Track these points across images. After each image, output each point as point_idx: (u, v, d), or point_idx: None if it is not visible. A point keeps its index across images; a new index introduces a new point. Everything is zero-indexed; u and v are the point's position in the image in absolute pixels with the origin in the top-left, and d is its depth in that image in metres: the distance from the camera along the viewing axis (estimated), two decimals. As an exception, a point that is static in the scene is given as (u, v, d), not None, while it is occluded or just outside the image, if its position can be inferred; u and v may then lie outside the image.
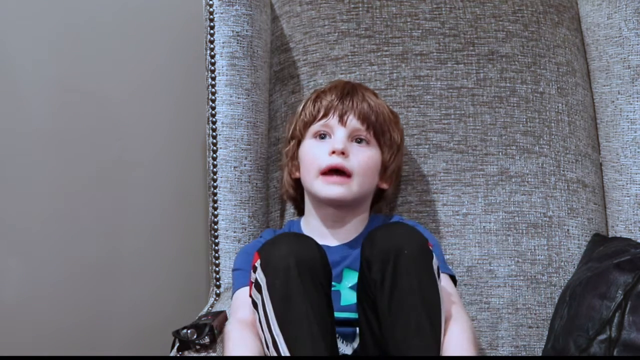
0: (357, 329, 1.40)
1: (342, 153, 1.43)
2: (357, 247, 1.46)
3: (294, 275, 1.25)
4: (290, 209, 1.65)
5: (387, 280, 1.27)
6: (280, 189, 1.64)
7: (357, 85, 1.53)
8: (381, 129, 1.48)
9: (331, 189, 1.43)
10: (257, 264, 1.29)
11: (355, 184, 1.44)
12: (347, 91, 1.49)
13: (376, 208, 1.57)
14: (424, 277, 1.27)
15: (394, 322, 1.26)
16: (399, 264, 1.27)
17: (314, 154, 1.46)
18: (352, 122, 1.46)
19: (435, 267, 1.30)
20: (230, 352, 1.32)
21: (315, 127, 1.48)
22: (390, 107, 1.59)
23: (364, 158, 1.46)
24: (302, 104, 1.54)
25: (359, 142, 1.47)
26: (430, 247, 1.31)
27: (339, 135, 1.45)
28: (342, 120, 1.46)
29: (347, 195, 1.44)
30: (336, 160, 1.43)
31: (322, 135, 1.48)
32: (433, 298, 1.28)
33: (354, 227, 1.49)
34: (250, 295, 1.32)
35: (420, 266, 1.28)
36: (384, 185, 1.52)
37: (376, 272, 1.28)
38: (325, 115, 1.47)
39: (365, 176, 1.46)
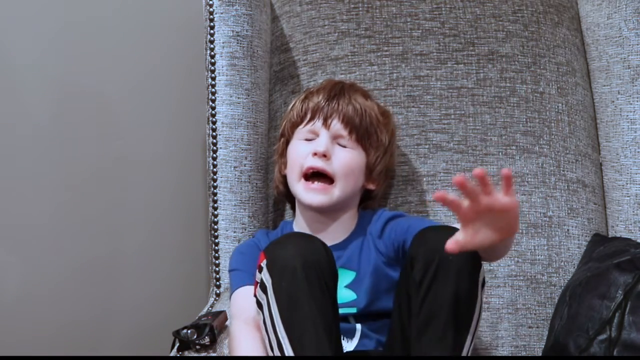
0: (357, 325, 1.41)
1: (324, 155, 1.44)
2: (349, 246, 1.48)
3: (300, 276, 1.24)
4: (290, 209, 1.65)
5: (425, 282, 1.25)
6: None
7: (347, 86, 1.53)
8: (366, 132, 1.49)
9: (312, 196, 1.45)
10: (263, 264, 1.28)
11: (337, 190, 1.45)
12: (334, 93, 1.50)
13: (366, 204, 1.57)
14: (463, 286, 1.25)
15: (421, 326, 1.25)
16: (441, 268, 1.24)
17: (298, 154, 1.48)
18: (336, 125, 1.47)
19: (480, 279, 1.28)
20: (236, 352, 1.31)
21: (302, 130, 1.50)
22: (390, 107, 1.59)
23: (346, 160, 1.46)
24: (292, 103, 1.56)
25: (342, 145, 1.48)
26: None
27: (322, 138, 1.46)
28: (326, 123, 1.47)
29: (329, 203, 1.45)
30: (317, 163, 1.44)
31: (308, 139, 1.49)
32: (466, 310, 1.25)
33: (342, 228, 1.50)
34: (255, 296, 1.31)
35: (463, 275, 1.25)
36: (371, 186, 1.52)
37: (417, 272, 1.26)
38: (311, 118, 1.49)
39: (347, 179, 1.46)
